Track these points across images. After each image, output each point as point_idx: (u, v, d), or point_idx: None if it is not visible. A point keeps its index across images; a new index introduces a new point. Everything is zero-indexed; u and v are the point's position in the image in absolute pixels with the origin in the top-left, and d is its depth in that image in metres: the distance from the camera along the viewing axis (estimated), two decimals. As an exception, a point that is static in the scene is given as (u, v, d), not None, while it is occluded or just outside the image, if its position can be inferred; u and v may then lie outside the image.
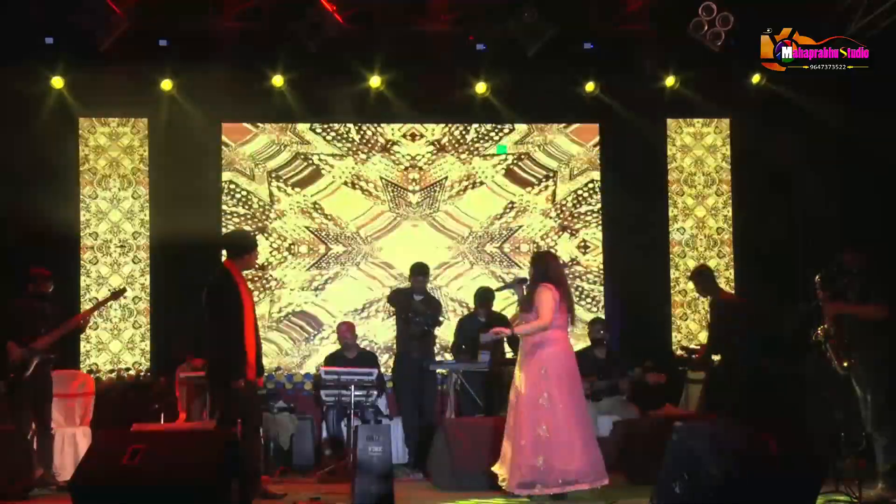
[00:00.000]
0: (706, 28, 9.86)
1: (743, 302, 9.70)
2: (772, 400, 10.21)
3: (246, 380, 7.11)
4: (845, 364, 6.94)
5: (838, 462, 6.99)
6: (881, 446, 6.87)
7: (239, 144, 11.09)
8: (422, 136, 11.28)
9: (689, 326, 11.26)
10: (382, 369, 9.88)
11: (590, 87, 10.95)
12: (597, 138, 11.40)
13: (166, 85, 10.59)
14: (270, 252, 11.01)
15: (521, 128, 11.36)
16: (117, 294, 8.92)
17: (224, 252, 7.46)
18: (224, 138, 11.08)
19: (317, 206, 11.13)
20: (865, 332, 6.97)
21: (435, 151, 11.27)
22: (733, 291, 11.22)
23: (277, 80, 10.67)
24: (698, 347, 9.99)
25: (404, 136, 11.26)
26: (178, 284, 10.56)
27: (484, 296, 9.68)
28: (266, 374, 10.70)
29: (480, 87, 10.92)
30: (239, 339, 7.08)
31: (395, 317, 9.61)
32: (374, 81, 10.73)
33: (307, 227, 11.10)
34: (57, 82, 10.43)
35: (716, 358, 9.09)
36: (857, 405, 7.08)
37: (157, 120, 10.90)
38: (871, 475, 6.89)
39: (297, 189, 11.11)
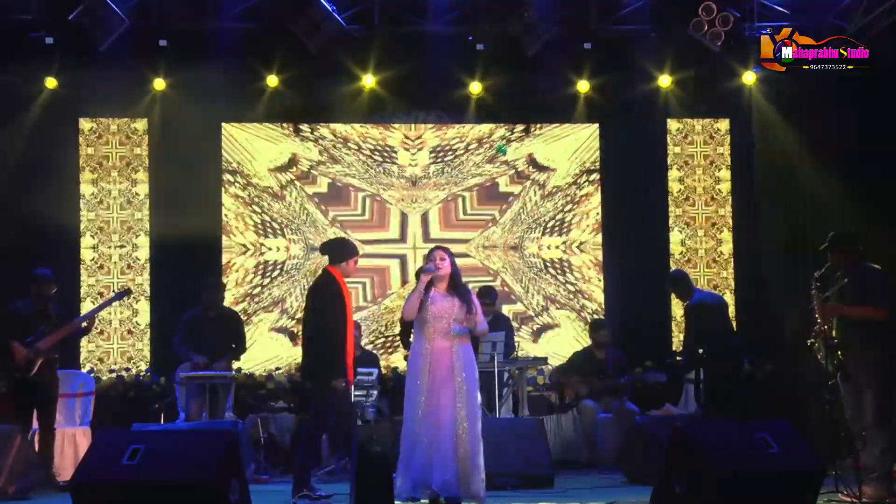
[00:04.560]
0: (706, 28, 9.86)
1: (717, 297, 9.71)
2: (771, 399, 10.24)
3: (346, 381, 7.24)
4: (836, 362, 6.94)
5: (838, 462, 6.99)
6: (878, 448, 6.86)
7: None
8: (420, 135, 11.29)
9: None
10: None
11: (582, 87, 10.91)
12: (597, 138, 11.40)
13: (165, 85, 10.59)
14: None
15: (521, 128, 11.35)
16: (122, 294, 8.93)
17: (326, 258, 7.58)
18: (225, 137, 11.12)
19: (316, 205, 11.16)
20: (862, 333, 6.96)
21: (435, 151, 11.29)
22: (733, 291, 11.24)
23: (277, 81, 10.67)
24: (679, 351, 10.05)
25: (404, 135, 11.27)
26: (178, 284, 10.57)
27: (487, 294, 9.69)
28: (266, 373, 10.74)
29: (480, 87, 10.92)
30: (342, 340, 7.17)
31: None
32: (373, 81, 10.73)
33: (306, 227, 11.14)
34: (56, 82, 10.42)
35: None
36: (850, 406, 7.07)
37: (157, 120, 10.90)
38: (871, 475, 6.87)
39: (298, 189, 11.14)
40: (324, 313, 7.22)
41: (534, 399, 10.16)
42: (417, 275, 6.80)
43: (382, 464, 6.41)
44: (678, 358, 9.92)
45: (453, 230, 11.24)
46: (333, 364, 7.13)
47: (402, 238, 11.17)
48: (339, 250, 7.43)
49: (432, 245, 7.28)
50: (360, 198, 11.20)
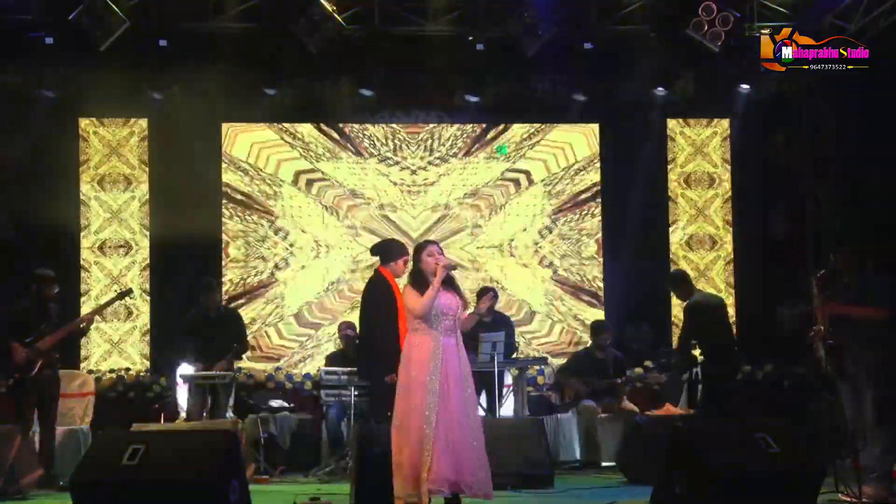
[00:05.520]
0: (706, 28, 9.86)
1: (716, 298, 9.70)
2: (771, 399, 10.25)
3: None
4: (835, 362, 6.94)
5: (838, 462, 6.99)
6: (880, 447, 6.86)
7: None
8: (420, 135, 11.29)
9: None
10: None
11: (582, 87, 10.92)
12: (597, 138, 11.40)
13: (165, 85, 10.58)
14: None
15: (522, 128, 11.36)
16: (123, 294, 8.93)
17: (378, 259, 7.65)
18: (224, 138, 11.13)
19: (317, 206, 11.17)
20: (862, 333, 6.97)
21: (435, 151, 11.29)
22: (733, 291, 11.24)
23: (276, 81, 10.66)
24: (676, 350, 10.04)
25: (404, 136, 11.28)
26: (178, 284, 10.57)
27: (487, 295, 9.68)
28: (267, 373, 10.75)
29: (479, 88, 10.91)
30: (392, 336, 7.17)
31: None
32: (373, 82, 10.73)
33: (307, 228, 11.14)
34: (56, 82, 10.41)
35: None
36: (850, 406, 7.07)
37: (157, 120, 10.91)
38: (871, 475, 6.87)
39: (298, 189, 11.15)
40: (374, 312, 7.36)
41: (534, 399, 10.16)
42: (419, 273, 6.67)
43: (382, 464, 6.40)
44: (673, 360, 9.93)
45: (453, 230, 11.24)
46: (384, 360, 7.17)
47: (404, 238, 11.17)
48: (389, 251, 7.57)
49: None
50: (361, 197, 11.21)
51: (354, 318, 10.64)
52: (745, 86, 10.91)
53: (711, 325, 8.79)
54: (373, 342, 7.37)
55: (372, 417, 7.43)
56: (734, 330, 10.22)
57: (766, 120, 11.08)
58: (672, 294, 10.23)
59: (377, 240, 11.01)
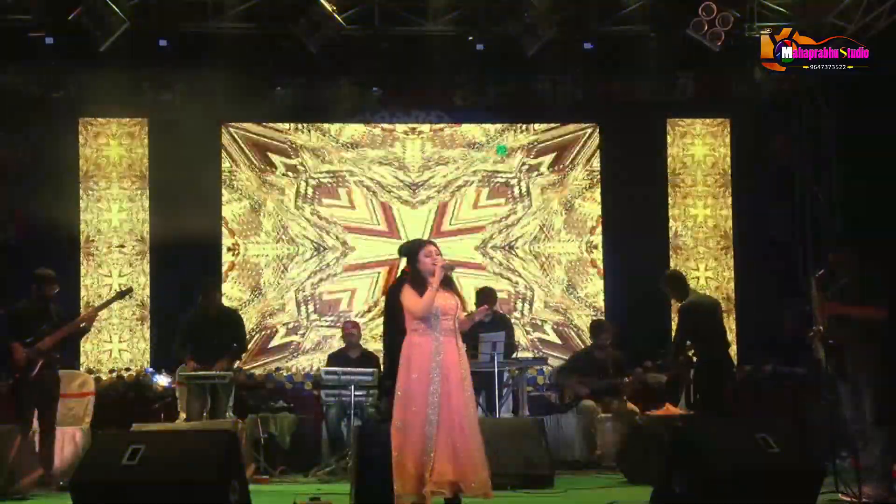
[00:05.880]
0: (706, 28, 9.86)
1: (711, 299, 9.68)
2: (771, 399, 10.25)
3: None
4: (835, 362, 6.94)
5: (838, 462, 6.99)
6: (880, 447, 6.86)
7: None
8: (421, 135, 11.29)
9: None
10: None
11: (582, 87, 10.93)
12: (597, 138, 11.41)
13: (165, 85, 10.58)
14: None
15: (521, 128, 11.36)
16: (123, 293, 8.93)
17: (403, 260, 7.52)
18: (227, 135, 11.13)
19: (317, 206, 11.17)
20: (862, 333, 6.97)
21: (435, 151, 11.30)
22: (733, 291, 11.24)
23: (277, 81, 10.66)
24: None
25: (404, 134, 11.28)
26: (178, 284, 10.58)
27: (486, 295, 9.67)
28: (266, 373, 10.75)
29: (479, 88, 10.91)
30: None
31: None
32: (373, 82, 10.73)
33: (306, 228, 11.14)
34: (56, 83, 10.42)
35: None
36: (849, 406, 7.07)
37: (157, 120, 10.91)
38: (871, 475, 6.87)
39: (298, 188, 11.16)
40: (402, 312, 7.23)
41: (534, 399, 10.16)
42: (417, 273, 6.65)
43: (382, 464, 6.39)
44: (670, 361, 9.92)
45: (453, 230, 11.25)
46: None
47: (404, 238, 11.17)
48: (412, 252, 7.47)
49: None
50: (362, 198, 11.21)
51: (355, 318, 10.73)
52: (744, 85, 10.91)
53: (706, 327, 8.78)
54: (394, 342, 7.25)
55: (387, 420, 7.37)
56: (733, 330, 10.23)
57: (766, 120, 11.08)
58: (669, 294, 10.23)
59: (380, 238, 11.14)
